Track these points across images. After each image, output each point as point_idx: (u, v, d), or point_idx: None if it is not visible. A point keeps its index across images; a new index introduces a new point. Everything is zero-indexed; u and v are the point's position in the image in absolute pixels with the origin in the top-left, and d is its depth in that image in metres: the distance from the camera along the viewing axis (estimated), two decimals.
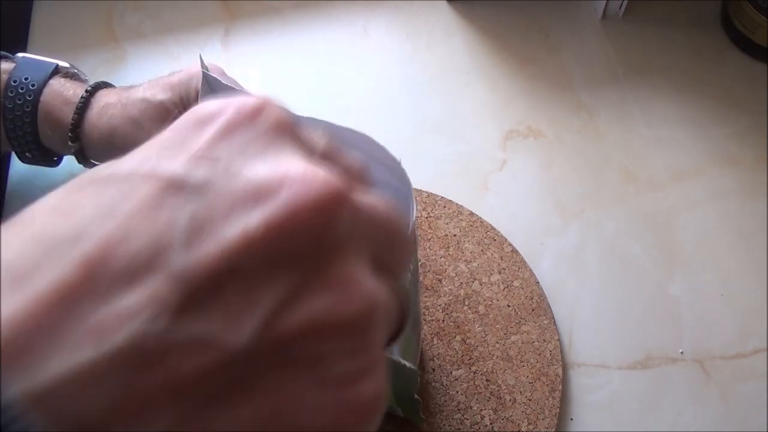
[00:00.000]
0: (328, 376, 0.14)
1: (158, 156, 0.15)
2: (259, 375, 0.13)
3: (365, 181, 0.19)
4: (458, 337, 0.47)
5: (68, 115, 0.43)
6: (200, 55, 0.37)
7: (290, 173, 0.15)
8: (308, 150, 0.17)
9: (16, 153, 0.46)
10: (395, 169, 0.30)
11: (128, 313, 0.12)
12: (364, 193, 0.17)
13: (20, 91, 0.43)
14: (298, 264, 0.14)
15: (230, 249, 0.13)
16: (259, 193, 0.14)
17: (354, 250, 0.15)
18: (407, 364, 0.27)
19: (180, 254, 0.13)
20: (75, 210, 0.13)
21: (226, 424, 0.13)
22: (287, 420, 0.14)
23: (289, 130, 0.17)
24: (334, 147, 0.19)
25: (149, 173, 0.14)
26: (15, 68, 0.44)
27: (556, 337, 0.47)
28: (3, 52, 0.46)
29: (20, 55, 0.45)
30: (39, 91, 0.43)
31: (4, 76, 0.43)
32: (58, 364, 0.11)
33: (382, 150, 0.30)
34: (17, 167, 0.53)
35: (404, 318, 0.18)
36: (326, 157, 0.17)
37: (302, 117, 0.29)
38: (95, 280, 0.12)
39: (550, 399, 0.44)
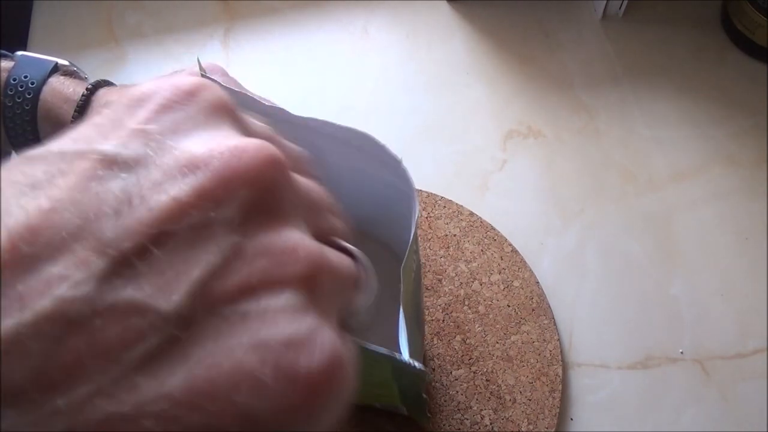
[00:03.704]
0: (269, 339, 0.14)
1: (91, 136, 0.15)
2: (193, 341, 0.13)
3: (302, 169, 0.19)
4: (458, 337, 0.47)
5: (68, 113, 0.43)
6: (198, 59, 0.37)
7: (224, 145, 0.15)
8: (248, 133, 0.17)
9: (17, 152, 0.45)
10: (397, 168, 0.30)
11: (53, 279, 0.12)
12: (299, 174, 0.17)
13: (20, 89, 0.43)
14: (233, 228, 0.14)
15: (159, 214, 0.13)
16: (191, 165, 0.14)
17: (294, 217, 0.16)
18: (416, 364, 0.27)
19: (109, 222, 0.13)
20: (5, 187, 0.14)
21: (157, 390, 0.13)
22: (222, 391, 0.13)
23: (227, 111, 0.17)
24: (274, 135, 0.19)
25: (81, 151, 0.14)
26: (14, 66, 0.44)
27: (556, 337, 0.46)
28: (2, 51, 0.46)
29: (19, 53, 0.45)
30: (39, 89, 0.43)
31: (4, 74, 0.43)
32: None
33: (383, 149, 0.30)
34: None
35: (362, 286, 0.19)
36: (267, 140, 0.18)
37: (281, 108, 0.29)
38: (21, 252, 0.12)
39: (550, 399, 0.44)
